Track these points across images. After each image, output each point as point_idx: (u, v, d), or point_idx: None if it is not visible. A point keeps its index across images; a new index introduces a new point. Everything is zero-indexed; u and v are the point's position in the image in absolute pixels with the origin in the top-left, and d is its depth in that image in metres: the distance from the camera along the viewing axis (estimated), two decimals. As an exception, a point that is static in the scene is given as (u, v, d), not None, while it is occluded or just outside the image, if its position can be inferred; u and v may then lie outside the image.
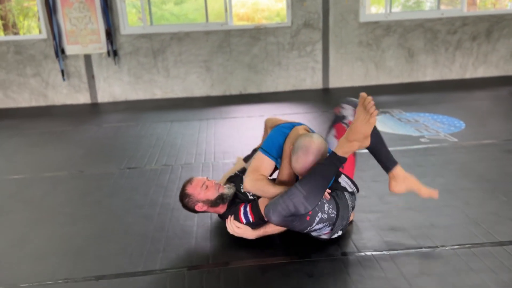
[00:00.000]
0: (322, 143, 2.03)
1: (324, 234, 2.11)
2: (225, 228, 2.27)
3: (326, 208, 2.01)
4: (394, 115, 4.67)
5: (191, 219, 2.52)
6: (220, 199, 2.23)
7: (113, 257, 2.20)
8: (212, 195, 2.23)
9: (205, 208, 2.26)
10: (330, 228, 2.06)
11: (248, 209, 2.16)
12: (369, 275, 1.93)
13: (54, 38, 5.85)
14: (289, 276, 1.94)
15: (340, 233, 2.16)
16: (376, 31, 6.32)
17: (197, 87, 6.32)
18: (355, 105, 2.22)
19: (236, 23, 7.28)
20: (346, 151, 1.92)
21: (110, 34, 5.93)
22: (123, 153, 3.90)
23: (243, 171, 2.46)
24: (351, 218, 2.44)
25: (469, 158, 3.30)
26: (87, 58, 6.08)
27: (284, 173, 2.12)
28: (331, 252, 2.12)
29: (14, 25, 8.56)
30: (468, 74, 6.61)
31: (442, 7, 7.07)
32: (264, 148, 2.17)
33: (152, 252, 2.23)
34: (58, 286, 1.98)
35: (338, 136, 2.27)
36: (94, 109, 5.95)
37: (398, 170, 2.23)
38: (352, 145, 1.92)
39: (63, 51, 5.98)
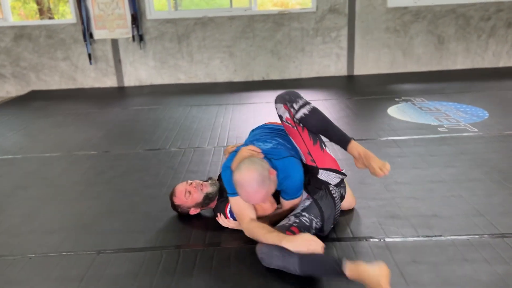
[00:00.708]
0: (251, 172, 1.87)
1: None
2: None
3: (313, 225, 2.01)
4: (415, 104, 4.55)
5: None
6: (207, 198, 2.30)
7: (115, 233, 2.29)
8: (198, 197, 2.29)
9: (198, 210, 2.35)
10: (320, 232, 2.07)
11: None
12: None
13: (83, 22, 6.02)
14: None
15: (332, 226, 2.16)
16: (405, 17, 6.14)
17: (220, 72, 6.37)
18: (284, 101, 2.16)
19: (269, 8, 7.25)
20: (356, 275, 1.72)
21: (136, 19, 6.05)
22: (141, 135, 4.00)
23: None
24: (353, 205, 2.42)
25: (485, 149, 3.19)
26: (114, 42, 6.23)
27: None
28: (325, 236, 2.12)
29: (49, 10, 8.84)
30: (502, 63, 6.33)
31: (477, -8, 6.77)
32: (229, 192, 2.09)
33: (153, 230, 2.30)
34: (61, 257, 2.09)
35: (289, 133, 2.20)
36: (120, 93, 6.11)
37: (351, 148, 2.13)
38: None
39: (91, 36, 6.15)
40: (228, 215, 2.20)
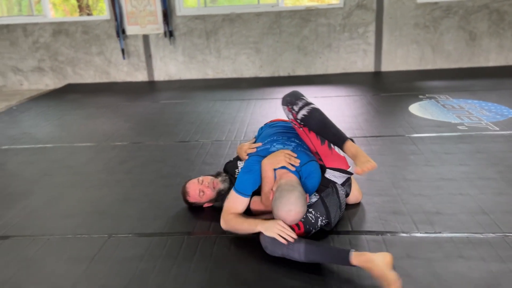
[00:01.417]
0: (300, 212, 1.90)
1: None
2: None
3: (319, 223, 2.06)
4: (439, 101, 4.48)
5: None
6: (219, 195, 2.39)
7: (128, 219, 2.43)
8: (211, 194, 2.38)
9: (211, 204, 2.46)
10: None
11: None
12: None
13: (116, 19, 6.26)
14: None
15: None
16: (435, 12, 6.02)
17: (246, 68, 6.46)
18: (286, 104, 2.23)
19: (297, 4, 7.28)
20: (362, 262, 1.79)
21: (167, 15, 6.23)
22: (164, 128, 4.16)
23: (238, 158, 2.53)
24: (359, 199, 2.45)
25: (503, 148, 3.13)
26: (146, 38, 6.45)
27: (264, 203, 2.17)
28: (324, 229, 2.18)
29: (88, 6, 9.21)
30: (538, 60, 6.10)
31: (514, -14, 6.52)
32: (237, 188, 2.13)
33: (163, 217, 2.43)
34: (75, 239, 2.25)
35: (298, 133, 2.30)
36: (150, 87, 6.32)
37: (347, 148, 2.12)
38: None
39: (123, 31, 6.39)
40: None
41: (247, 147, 2.38)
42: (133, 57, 6.56)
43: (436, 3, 5.97)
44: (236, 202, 2.13)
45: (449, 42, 6.11)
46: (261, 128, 2.60)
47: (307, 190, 2.09)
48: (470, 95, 4.65)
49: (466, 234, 2.09)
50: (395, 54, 6.25)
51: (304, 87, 5.64)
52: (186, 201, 2.45)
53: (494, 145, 3.20)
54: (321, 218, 2.08)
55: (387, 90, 5.19)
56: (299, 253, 1.87)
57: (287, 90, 5.46)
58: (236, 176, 2.37)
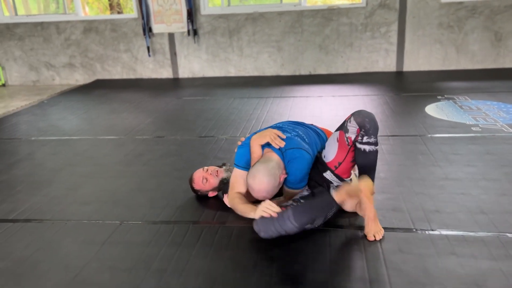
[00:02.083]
0: (263, 185, 2.07)
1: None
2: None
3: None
4: (456, 102, 4.46)
5: (214, 184, 2.82)
6: (223, 183, 2.55)
7: (140, 208, 2.58)
8: (215, 182, 2.56)
9: (215, 193, 2.61)
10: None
11: None
12: (348, 248, 2.06)
13: (143, 17, 6.48)
14: (273, 239, 2.13)
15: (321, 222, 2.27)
16: (459, 12, 5.94)
17: (268, 66, 6.56)
18: (362, 126, 2.12)
19: (337, 2, 7.30)
20: (342, 199, 2.03)
21: (191, 14, 6.40)
22: (183, 123, 4.32)
23: None
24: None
25: (514, 150, 3.12)
26: (171, 36, 6.64)
27: None
28: (324, 223, 2.26)
29: (118, 5, 9.52)
30: None
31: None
32: (234, 161, 2.39)
33: (172, 207, 2.57)
34: (89, 224, 2.42)
35: (339, 140, 2.23)
36: (174, 83, 6.51)
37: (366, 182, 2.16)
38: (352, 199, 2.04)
39: (150, 29, 6.60)
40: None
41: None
42: (159, 55, 6.76)
43: (461, 2, 5.90)
44: (235, 176, 2.34)
45: (474, 42, 6.03)
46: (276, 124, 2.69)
47: (289, 178, 2.24)
48: (489, 97, 4.60)
49: (461, 232, 2.13)
50: (417, 54, 6.20)
51: (324, 85, 5.69)
52: (192, 189, 2.61)
53: (506, 147, 3.19)
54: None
55: (406, 90, 5.18)
56: (290, 220, 1.98)
57: (306, 88, 5.49)
58: None
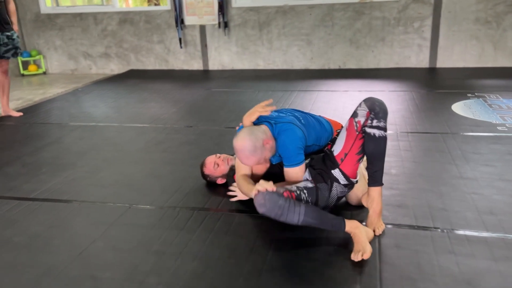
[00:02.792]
0: (245, 141, 2.12)
1: None
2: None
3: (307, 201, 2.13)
4: (486, 100, 4.30)
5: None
6: (232, 170, 2.59)
7: (151, 193, 2.68)
8: (225, 169, 2.63)
9: (224, 180, 2.66)
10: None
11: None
12: (346, 241, 2.05)
13: (176, 9, 6.61)
14: (273, 227, 2.17)
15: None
16: (498, 7, 5.69)
17: (297, 60, 6.54)
18: (371, 109, 2.07)
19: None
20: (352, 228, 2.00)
21: (222, 6, 6.47)
22: (206, 114, 4.40)
23: None
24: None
25: (538, 151, 2.99)
26: (202, 28, 6.74)
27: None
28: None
29: (156, -3, 9.72)
30: None
31: None
32: None
33: (182, 193, 2.64)
34: (102, 206, 2.54)
35: (348, 128, 2.17)
36: (203, 75, 6.62)
37: (373, 191, 2.13)
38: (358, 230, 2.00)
39: (182, 21, 6.73)
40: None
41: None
42: (190, 46, 6.88)
43: (500, -3, 5.65)
44: (238, 161, 2.38)
45: (513, 38, 5.76)
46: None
47: (281, 153, 2.23)
48: (523, 96, 4.40)
49: (464, 232, 2.08)
50: (452, 50, 6.00)
51: (353, 80, 5.62)
52: (203, 174, 2.69)
53: (530, 148, 3.06)
54: (310, 204, 2.13)
55: (435, 87, 5.03)
56: (299, 213, 1.94)
57: (332, 83, 5.45)
58: None
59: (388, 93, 4.79)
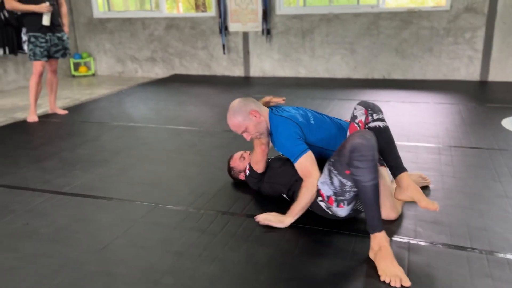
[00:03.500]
0: (234, 102, 2.32)
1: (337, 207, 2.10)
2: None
3: (345, 195, 2.02)
4: (540, 116, 4.00)
5: (253, 178, 2.82)
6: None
7: (178, 193, 2.66)
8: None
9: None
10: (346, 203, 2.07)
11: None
12: (350, 251, 1.95)
13: (220, 16, 6.68)
14: (294, 238, 2.08)
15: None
16: (559, 18, 5.33)
17: (340, 69, 6.41)
18: (366, 106, 2.21)
19: (398, 5, 7.00)
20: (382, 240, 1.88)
21: (266, 14, 6.46)
22: (241, 119, 4.37)
23: None
24: (391, 217, 2.25)
25: None
26: (245, 35, 6.76)
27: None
28: (343, 228, 2.15)
29: (204, 4, 9.91)
30: None
31: None
32: None
33: (208, 195, 2.61)
34: (128, 204, 2.54)
35: (350, 132, 2.23)
36: (244, 82, 6.63)
37: (402, 178, 2.10)
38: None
39: (226, 28, 6.78)
40: (247, 172, 2.55)
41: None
42: (233, 53, 6.92)
43: (562, 7, 5.29)
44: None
45: None
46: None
47: (277, 146, 2.29)
48: None
49: (505, 255, 1.90)
50: (505, 63, 5.67)
51: (397, 91, 5.43)
52: (228, 168, 2.73)
53: None
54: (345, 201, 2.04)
55: (485, 100, 4.76)
56: (375, 177, 1.83)
57: (376, 93, 5.34)
58: None
59: (433, 105, 4.57)
